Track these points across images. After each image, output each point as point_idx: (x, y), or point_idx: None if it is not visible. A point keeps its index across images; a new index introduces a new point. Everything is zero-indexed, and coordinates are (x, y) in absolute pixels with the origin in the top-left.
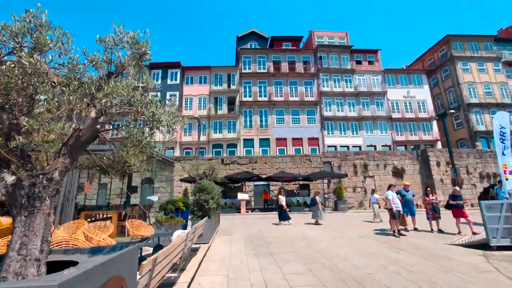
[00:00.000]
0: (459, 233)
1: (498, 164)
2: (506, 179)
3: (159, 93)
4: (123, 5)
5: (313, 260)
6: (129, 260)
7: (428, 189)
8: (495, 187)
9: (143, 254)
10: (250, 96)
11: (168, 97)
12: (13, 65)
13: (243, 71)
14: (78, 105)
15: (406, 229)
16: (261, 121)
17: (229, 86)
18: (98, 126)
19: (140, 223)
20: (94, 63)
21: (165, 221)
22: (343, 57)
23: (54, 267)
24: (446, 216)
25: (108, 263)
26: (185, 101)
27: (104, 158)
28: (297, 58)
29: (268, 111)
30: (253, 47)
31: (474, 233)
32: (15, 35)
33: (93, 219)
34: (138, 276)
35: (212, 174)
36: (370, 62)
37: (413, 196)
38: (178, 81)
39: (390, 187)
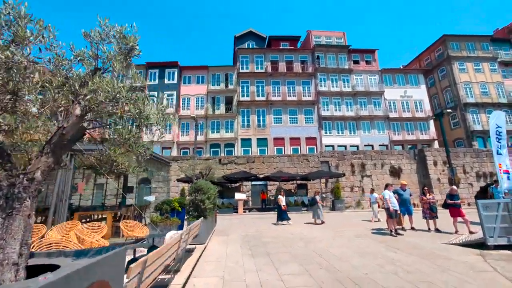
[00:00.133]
0: (456, 232)
1: (495, 163)
2: (502, 178)
3: (156, 93)
4: (122, 5)
5: (310, 260)
6: (115, 263)
7: (425, 188)
8: (491, 186)
9: (137, 255)
10: (247, 95)
11: (165, 96)
12: None
13: (240, 70)
14: (63, 102)
15: (403, 229)
16: (258, 120)
17: (226, 85)
18: (85, 124)
19: (135, 224)
20: (79, 58)
21: (160, 221)
22: (340, 57)
23: (35, 271)
24: (443, 215)
25: (91, 267)
26: (183, 101)
27: (92, 157)
28: (295, 57)
29: (265, 111)
30: (250, 46)
31: (471, 232)
32: None
33: (88, 220)
34: (126, 280)
35: (209, 174)
36: (367, 62)
37: (410, 195)
38: (175, 81)
39: (387, 186)
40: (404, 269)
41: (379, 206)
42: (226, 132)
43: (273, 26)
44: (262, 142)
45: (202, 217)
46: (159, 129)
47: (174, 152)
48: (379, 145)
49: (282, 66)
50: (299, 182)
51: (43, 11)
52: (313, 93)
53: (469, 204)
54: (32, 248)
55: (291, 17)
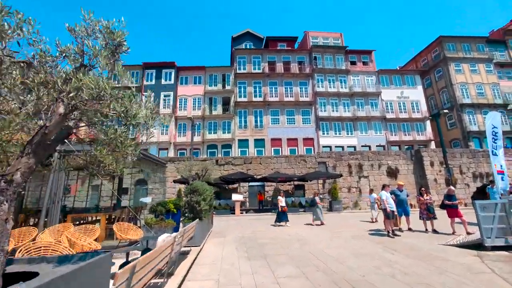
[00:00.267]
0: (453, 233)
1: (491, 163)
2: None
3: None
4: (122, 5)
5: (306, 262)
6: (99, 270)
7: (423, 189)
8: (488, 186)
9: (130, 258)
10: (245, 96)
11: (162, 97)
12: None
13: (238, 71)
14: (45, 100)
15: (400, 229)
16: (256, 121)
17: (224, 86)
18: (71, 124)
19: (128, 226)
20: (65, 54)
21: (155, 223)
22: (337, 58)
23: (12, 279)
24: (440, 216)
25: (70, 275)
26: (180, 102)
27: (79, 158)
28: (292, 58)
29: (263, 112)
30: (248, 47)
31: (468, 233)
32: None
33: (82, 222)
34: (113, 287)
35: (205, 175)
36: (364, 63)
37: (407, 196)
38: (172, 81)
39: (384, 187)
40: (401, 271)
41: (378, 206)
42: (223, 133)
43: (270, 26)
44: (259, 143)
45: (198, 219)
46: (147, 129)
47: (171, 153)
48: (376, 146)
49: (279, 67)
50: (296, 183)
51: (42, 11)
52: (310, 94)
53: (465, 205)
54: (20, 252)
55: (288, 18)
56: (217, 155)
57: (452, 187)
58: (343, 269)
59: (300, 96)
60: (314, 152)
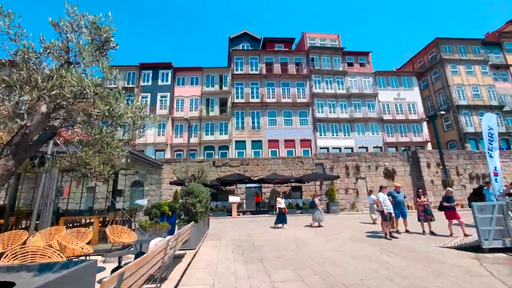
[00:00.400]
0: (451, 235)
1: (488, 165)
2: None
3: (149, 94)
4: (121, 5)
5: (303, 266)
6: (84, 278)
7: (420, 190)
8: (484, 188)
9: (123, 262)
10: (242, 97)
11: (159, 98)
12: None
13: (235, 72)
14: (27, 98)
15: (397, 231)
16: (253, 122)
17: (221, 87)
18: (56, 123)
19: (122, 229)
20: (49, 51)
21: (149, 226)
22: (335, 59)
23: None
24: (438, 217)
25: (51, 285)
26: (177, 102)
27: (65, 160)
28: (290, 59)
29: (260, 113)
30: (245, 48)
31: (466, 235)
32: None
33: (75, 225)
34: None
35: (201, 176)
36: (361, 64)
37: (404, 197)
38: (169, 82)
39: (381, 188)
40: (398, 274)
41: (376, 208)
42: (220, 134)
43: (268, 27)
44: (256, 144)
45: (193, 221)
46: (135, 129)
47: (168, 155)
48: (373, 147)
49: (276, 68)
50: (293, 184)
51: (42, 10)
52: (307, 95)
53: (462, 206)
54: (5, 257)
55: (285, 19)
56: (214, 156)
57: (450, 189)
58: (340, 272)
59: (298, 97)
60: (311, 154)
